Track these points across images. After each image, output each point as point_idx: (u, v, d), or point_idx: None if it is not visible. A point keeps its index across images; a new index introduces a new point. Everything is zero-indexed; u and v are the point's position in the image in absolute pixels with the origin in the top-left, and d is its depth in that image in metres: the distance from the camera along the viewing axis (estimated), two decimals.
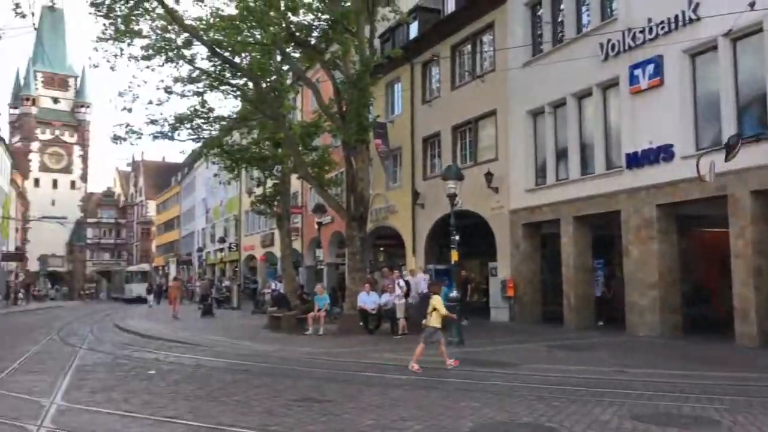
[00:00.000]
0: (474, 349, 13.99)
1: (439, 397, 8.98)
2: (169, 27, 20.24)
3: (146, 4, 18.87)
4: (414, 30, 26.58)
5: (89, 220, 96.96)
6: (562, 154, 19.35)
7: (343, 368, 12.01)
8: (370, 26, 19.35)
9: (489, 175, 21.22)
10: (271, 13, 18.95)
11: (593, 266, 19.35)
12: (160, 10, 19.08)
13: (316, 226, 23.56)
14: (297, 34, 19.61)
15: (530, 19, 20.77)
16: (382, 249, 31.44)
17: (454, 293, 15.16)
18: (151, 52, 20.30)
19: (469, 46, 23.58)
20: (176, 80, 22.55)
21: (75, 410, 8.22)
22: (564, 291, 18.89)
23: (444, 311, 11.43)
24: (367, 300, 18.00)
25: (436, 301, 11.48)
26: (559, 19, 19.74)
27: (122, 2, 18.14)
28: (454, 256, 15.43)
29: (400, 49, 22.23)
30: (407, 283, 18.66)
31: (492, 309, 21.66)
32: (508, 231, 21.01)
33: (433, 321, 11.32)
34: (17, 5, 15.93)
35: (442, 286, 13.43)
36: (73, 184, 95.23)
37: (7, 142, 68.05)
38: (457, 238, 15.33)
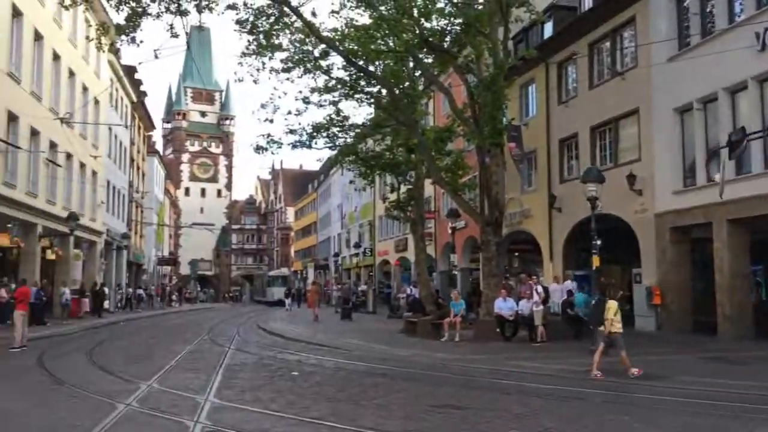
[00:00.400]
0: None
1: (584, 409, 8.63)
2: (307, 39, 20.99)
3: (286, 19, 19.65)
4: (549, 29, 25.89)
5: (234, 227, 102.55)
6: (713, 153, 18.07)
7: (480, 375, 11.85)
8: (503, 28, 19.06)
9: (631, 177, 20.22)
10: (404, 21, 19.18)
11: (751, 272, 17.91)
12: (298, 24, 19.82)
13: (450, 231, 23.54)
14: (430, 39, 19.67)
15: (675, 11, 19.61)
16: (517, 254, 30.83)
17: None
18: (290, 64, 21.16)
19: (608, 43, 22.63)
20: (313, 90, 23.40)
21: (227, 408, 8.63)
22: (717, 299, 17.61)
23: (611, 317, 10.96)
24: (504, 306, 17.69)
25: (612, 306, 11.06)
26: (708, 10, 18.50)
27: (264, 18, 19.01)
28: (596, 261, 14.84)
29: (535, 50, 21.73)
30: (545, 289, 18.17)
31: (636, 317, 20.57)
32: (654, 235, 19.91)
33: (614, 326, 10.91)
34: (171, 26, 17.14)
35: (620, 291, 12.93)
36: (219, 193, 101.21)
37: (161, 154, 73.48)
38: (598, 242, 14.72)
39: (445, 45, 20.65)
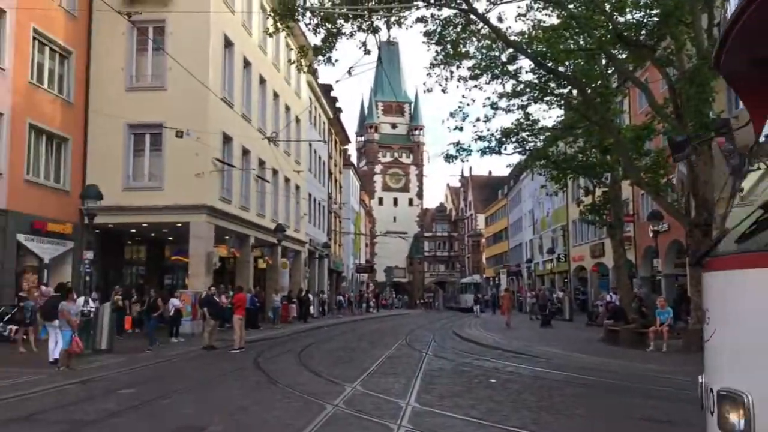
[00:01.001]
0: None
1: None
2: (494, 45, 20.95)
3: (472, 27, 19.77)
4: None
5: (425, 234, 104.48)
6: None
7: (692, 389, 10.90)
8: (708, 14, 17.65)
9: None
10: (595, 17, 18.48)
11: None
12: (485, 30, 19.84)
13: (651, 235, 22.15)
14: (624, 33, 18.74)
15: None
16: None
17: None
18: (477, 71, 21.23)
19: None
20: (501, 96, 23.26)
21: (428, 412, 8.79)
22: None
23: None
24: None
25: None
26: None
27: (451, 28, 19.27)
28: None
29: None
30: None
31: None
32: None
33: None
34: (364, 44, 18.05)
35: None
36: (410, 201, 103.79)
37: (356, 166, 77.01)
38: None
39: (641, 38, 19.56)
